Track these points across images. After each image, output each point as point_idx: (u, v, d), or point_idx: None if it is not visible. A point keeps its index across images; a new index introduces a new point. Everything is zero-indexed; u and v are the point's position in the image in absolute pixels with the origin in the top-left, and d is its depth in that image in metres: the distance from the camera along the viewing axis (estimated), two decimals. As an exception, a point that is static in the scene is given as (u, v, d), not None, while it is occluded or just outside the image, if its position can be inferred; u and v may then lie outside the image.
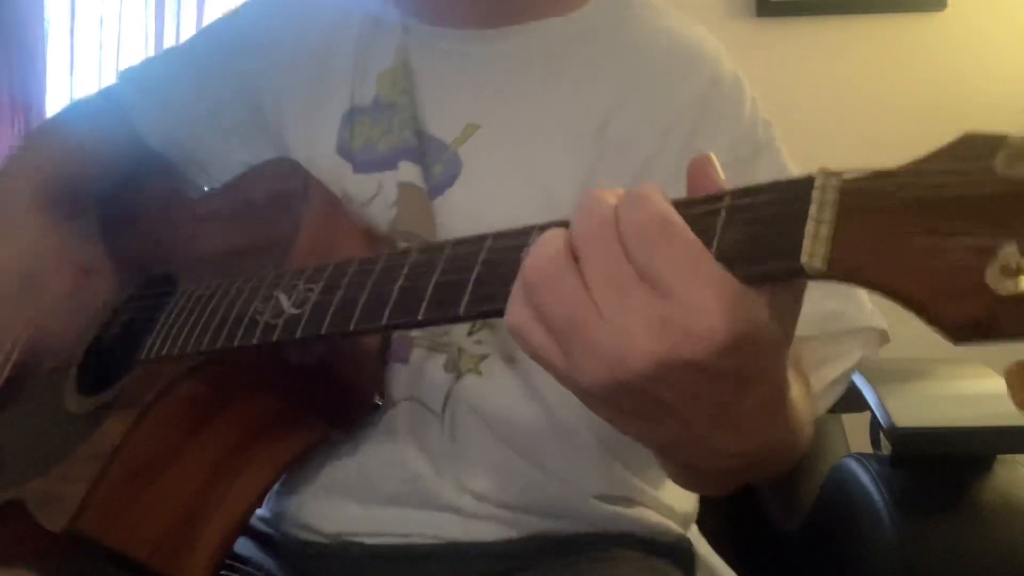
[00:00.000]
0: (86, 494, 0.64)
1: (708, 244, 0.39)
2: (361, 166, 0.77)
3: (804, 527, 1.17)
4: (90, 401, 0.76)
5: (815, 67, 1.76)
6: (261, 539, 0.80)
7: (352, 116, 0.80)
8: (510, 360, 0.72)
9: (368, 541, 0.74)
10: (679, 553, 0.79)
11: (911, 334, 1.73)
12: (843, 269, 0.36)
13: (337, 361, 0.69)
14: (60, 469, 0.70)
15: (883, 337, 0.71)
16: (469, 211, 0.72)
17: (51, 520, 0.66)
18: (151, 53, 1.99)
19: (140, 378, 0.73)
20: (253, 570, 0.78)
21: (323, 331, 0.56)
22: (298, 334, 0.58)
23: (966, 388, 0.98)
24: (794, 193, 0.37)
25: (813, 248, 0.36)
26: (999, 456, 0.92)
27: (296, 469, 0.76)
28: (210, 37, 0.95)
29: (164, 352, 0.70)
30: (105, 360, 0.81)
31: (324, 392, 0.71)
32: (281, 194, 0.76)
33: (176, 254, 0.83)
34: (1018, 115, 1.72)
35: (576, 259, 0.40)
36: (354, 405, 0.72)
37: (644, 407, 0.42)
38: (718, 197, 0.40)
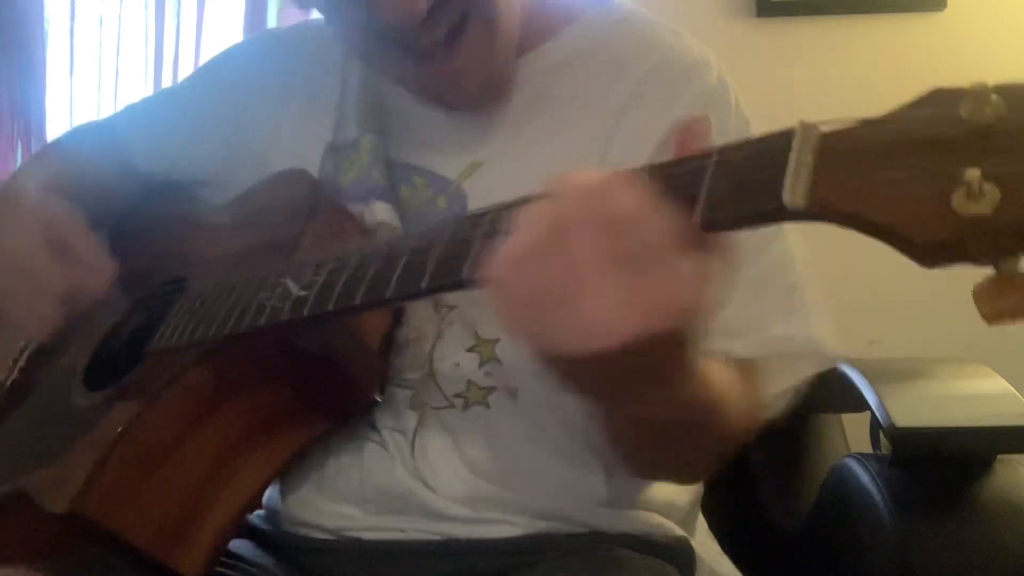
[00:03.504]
0: (89, 477, 0.65)
1: (697, 195, 0.42)
2: (347, 199, 0.79)
3: (804, 527, 1.17)
4: (97, 395, 0.76)
5: (815, 67, 1.76)
6: (259, 537, 0.81)
7: (335, 150, 0.82)
8: (513, 395, 0.73)
9: (367, 537, 0.74)
10: (678, 554, 0.79)
11: (911, 334, 1.73)
12: (821, 205, 0.38)
13: (340, 356, 0.71)
14: (64, 458, 0.70)
15: (829, 360, 0.75)
16: None
17: (54, 503, 0.66)
18: (151, 53, 1.99)
19: (147, 370, 0.74)
20: (251, 567, 0.78)
21: (330, 307, 0.58)
22: (305, 313, 0.59)
23: (966, 388, 0.99)
24: (776, 143, 0.41)
25: (794, 187, 0.39)
26: (999, 456, 0.92)
27: (296, 469, 0.76)
28: (203, 76, 0.97)
29: (173, 342, 0.71)
30: (113, 359, 0.81)
31: (326, 386, 0.72)
32: (289, 201, 0.77)
33: (187, 261, 0.84)
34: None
35: (563, 237, 0.42)
36: (355, 401, 0.73)
37: (601, 371, 0.45)
38: (707, 154, 0.43)
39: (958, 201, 0.34)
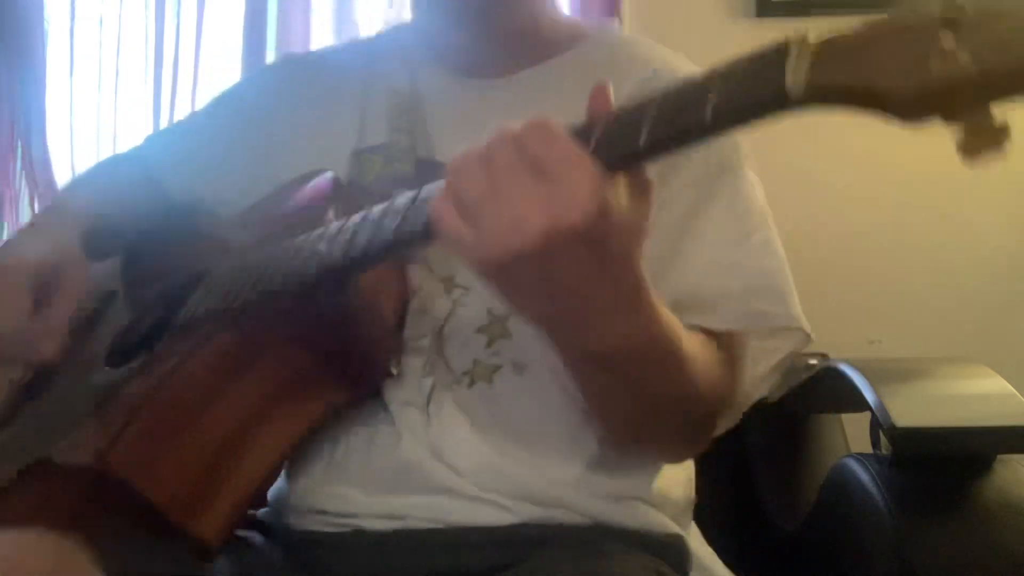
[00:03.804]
0: (114, 434, 0.67)
1: (703, 107, 0.49)
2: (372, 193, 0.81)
3: (804, 527, 1.17)
4: (120, 370, 0.78)
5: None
6: (267, 532, 0.82)
7: (360, 154, 0.85)
8: (520, 370, 0.76)
9: (368, 526, 0.75)
10: (673, 550, 0.79)
11: (911, 334, 1.73)
12: (818, 86, 0.46)
13: (358, 328, 0.73)
14: (89, 424, 0.72)
15: (807, 338, 0.79)
16: None
17: (79, 458, 0.68)
18: (151, 53, 1.99)
19: (172, 342, 0.76)
20: (260, 557, 0.79)
21: (367, 240, 0.62)
22: (339, 254, 0.64)
23: (966, 388, 0.99)
24: (773, 49, 0.48)
25: (795, 73, 0.46)
26: (999, 456, 0.92)
27: (303, 458, 0.78)
28: (226, 102, 1.00)
29: (199, 313, 0.74)
30: (134, 345, 0.82)
31: (346, 356, 0.74)
32: (311, 190, 0.80)
33: (208, 256, 0.85)
34: (1018, 115, 1.72)
35: (486, 157, 0.53)
36: (372, 371, 0.75)
37: (536, 280, 0.54)
38: (705, 83, 0.49)
39: (934, 64, 0.42)
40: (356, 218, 0.65)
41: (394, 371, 0.75)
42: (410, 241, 0.60)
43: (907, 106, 0.43)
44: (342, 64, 0.94)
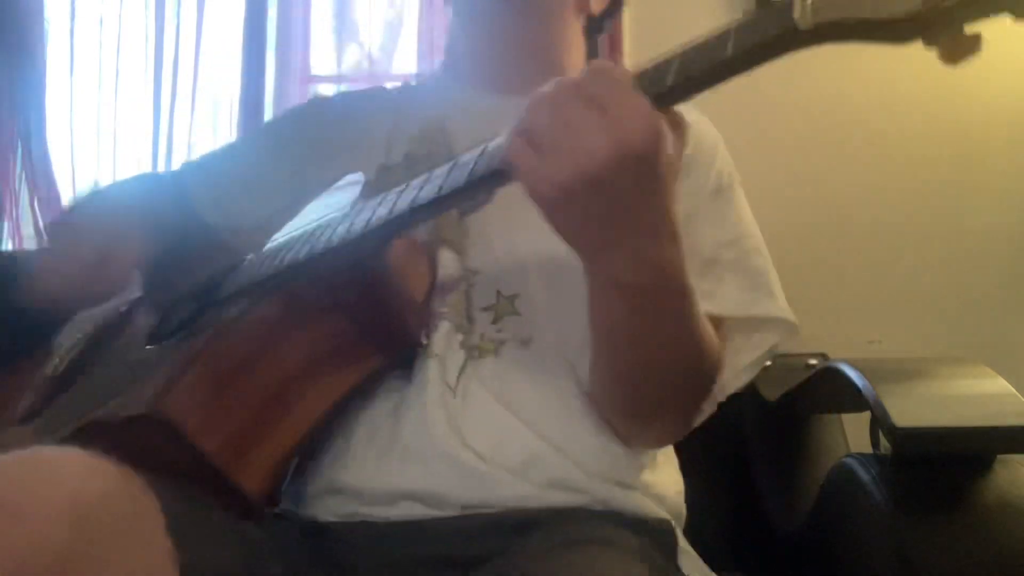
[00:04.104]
0: (168, 384, 0.72)
1: (725, 44, 0.58)
2: None
3: (804, 527, 1.17)
4: (165, 344, 0.83)
5: (815, 67, 1.76)
6: (279, 518, 0.84)
7: (382, 168, 0.90)
8: (525, 344, 0.82)
9: (375, 513, 0.78)
10: (663, 536, 0.81)
11: (911, 334, 1.73)
12: (824, 22, 0.54)
13: (393, 298, 0.80)
14: (139, 385, 0.76)
15: (793, 330, 0.86)
16: (501, 222, 0.85)
17: (131, 409, 0.72)
18: (151, 53, 1.99)
19: (216, 312, 0.81)
20: (279, 535, 0.80)
21: (437, 187, 0.68)
22: (405, 206, 0.70)
23: (966, 388, 0.98)
24: (780, 3, 0.56)
25: (803, 11, 0.54)
26: (999, 456, 0.92)
27: (319, 442, 0.82)
28: (262, 133, 1.10)
29: (244, 283, 0.80)
30: (176, 326, 0.86)
31: (382, 323, 0.79)
32: (345, 187, 0.85)
33: (239, 252, 0.89)
34: (1018, 115, 1.72)
35: (554, 101, 0.61)
36: (405, 338, 0.81)
37: (595, 203, 0.61)
38: (727, 27, 0.58)
39: None
40: (415, 182, 0.71)
41: (424, 341, 0.81)
42: (480, 183, 0.67)
43: (896, 32, 0.52)
44: (374, 105, 1.00)
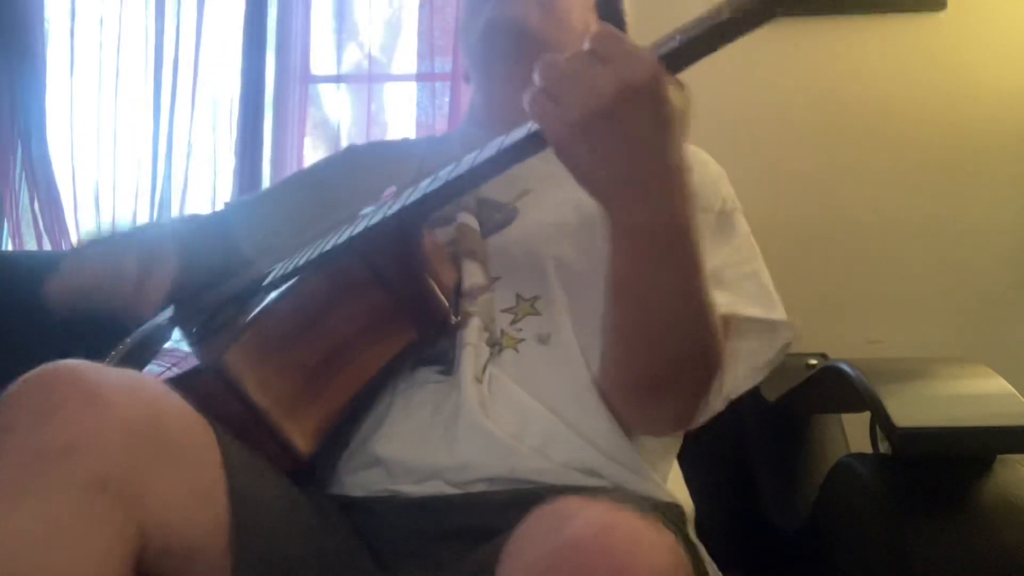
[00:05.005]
0: (227, 344, 0.81)
1: (720, 13, 0.64)
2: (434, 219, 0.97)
3: (804, 527, 1.17)
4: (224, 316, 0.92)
5: (815, 67, 1.76)
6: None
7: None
8: (543, 341, 0.89)
9: (404, 490, 0.84)
10: (676, 515, 0.85)
11: (911, 334, 1.72)
12: None
13: (427, 280, 0.88)
14: (203, 347, 0.86)
15: (790, 333, 0.90)
16: (518, 235, 0.95)
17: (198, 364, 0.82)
18: (151, 53, 2.00)
19: (265, 294, 0.89)
20: (319, 504, 0.85)
21: (470, 164, 0.77)
22: (441, 182, 0.78)
23: (966, 388, 0.98)
24: None
25: None
26: (999, 456, 0.92)
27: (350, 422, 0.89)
28: (300, 178, 1.22)
29: (289, 271, 0.87)
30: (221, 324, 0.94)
31: (417, 299, 0.88)
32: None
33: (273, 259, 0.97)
34: (1018, 115, 1.72)
35: (565, 60, 0.68)
36: (437, 319, 0.89)
37: (608, 139, 0.67)
38: (720, 3, 0.64)
39: None
40: (443, 170, 0.79)
41: (454, 319, 0.90)
42: (509, 152, 0.75)
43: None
44: (401, 153, 1.11)
